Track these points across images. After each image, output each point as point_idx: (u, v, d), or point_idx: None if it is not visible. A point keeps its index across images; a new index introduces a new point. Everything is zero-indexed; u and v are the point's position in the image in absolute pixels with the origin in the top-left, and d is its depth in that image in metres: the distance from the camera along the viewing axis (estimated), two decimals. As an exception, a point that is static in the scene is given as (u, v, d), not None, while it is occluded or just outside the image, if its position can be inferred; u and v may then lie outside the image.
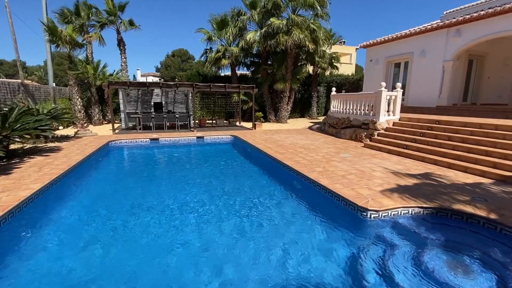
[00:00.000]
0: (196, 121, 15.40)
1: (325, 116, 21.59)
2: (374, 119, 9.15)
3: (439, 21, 11.44)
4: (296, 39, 13.06)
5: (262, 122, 14.92)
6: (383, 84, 8.89)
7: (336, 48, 26.54)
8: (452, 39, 9.96)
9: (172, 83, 12.34)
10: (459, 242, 3.38)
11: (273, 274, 2.87)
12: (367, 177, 5.34)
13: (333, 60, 18.65)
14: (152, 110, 14.83)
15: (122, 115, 13.77)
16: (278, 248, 3.39)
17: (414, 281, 2.69)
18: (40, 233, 3.70)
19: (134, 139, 10.26)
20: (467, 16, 9.39)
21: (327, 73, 20.99)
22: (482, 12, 8.97)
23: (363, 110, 9.86)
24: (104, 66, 14.22)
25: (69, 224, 4.00)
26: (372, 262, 3.04)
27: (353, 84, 19.92)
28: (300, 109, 20.97)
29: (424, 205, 3.98)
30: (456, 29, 9.78)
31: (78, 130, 10.61)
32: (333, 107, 12.32)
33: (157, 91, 15.05)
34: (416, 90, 11.08)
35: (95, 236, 3.68)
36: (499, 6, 8.53)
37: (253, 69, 18.92)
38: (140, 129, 12.60)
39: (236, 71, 18.15)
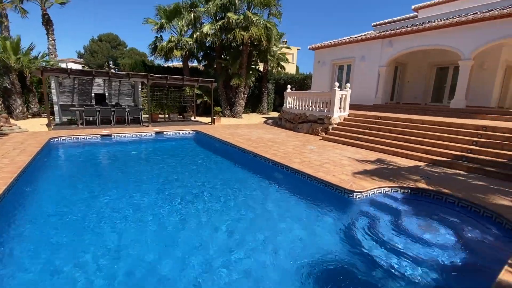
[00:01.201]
0: (146, 116, 14.32)
1: (275, 112, 22.78)
2: (329, 115, 10.33)
3: (376, 32, 13.49)
4: (254, 35, 13.43)
5: (221, 117, 14.88)
6: (336, 84, 10.11)
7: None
8: (385, 48, 11.97)
9: (123, 73, 11.17)
10: (419, 209, 4.37)
11: (296, 242, 3.33)
12: (339, 165, 6.16)
13: (280, 59, 19.76)
14: (93, 102, 13.10)
15: (56, 108, 11.76)
16: (291, 225, 3.86)
17: (392, 236, 3.56)
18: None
19: (80, 135, 8.98)
20: (398, 31, 11.44)
21: (274, 71, 22.18)
22: (409, 28, 11.08)
23: (319, 107, 10.97)
24: (30, 48, 11.79)
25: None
26: (362, 229, 3.80)
27: (299, 83, 21.54)
28: (251, 105, 21.58)
29: (392, 185, 4.94)
30: (389, 40, 11.80)
31: (1, 126, 8.66)
32: (289, 103, 13.23)
33: (98, 81, 13.33)
34: (357, 90, 12.85)
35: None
36: (420, 25, 10.71)
37: (205, 62, 18.54)
38: (81, 124, 11.03)
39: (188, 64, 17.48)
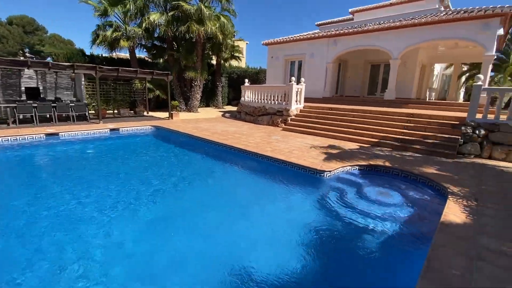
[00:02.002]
0: (92, 112, 13.02)
1: (230, 106, 23.00)
2: (287, 107, 11.18)
3: (322, 31, 14.82)
4: (209, 30, 13.38)
5: (179, 111, 14.45)
6: (293, 78, 10.98)
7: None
8: (331, 47, 13.39)
9: (66, 64, 9.91)
10: (373, 180, 5.40)
11: (282, 215, 3.86)
12: (305, 151, 6.95)
13: (234, 53, 20.01)
14: (24, 97, 11.31)
15: (-25, 104, 9.80)
16: (275, 202, 4.43)
17: (357, 203, 4.43)
18: None
19: (19, 136, 7.82)
20: (341, 31, 12.91)
21: (227, 64, 22.33)
22: (350, 30, 12.63)
23: (277, 100, 11.74)
24: None
25: None
26: (334, 198, 4.62)
27: (252, 77, 22.14)
28: (205, 99, 21.35)
29: (351, 164, 5.90)
30: (334, 39, 13.23)
31: None
32: (247, 97, 13.70)
33: (29, 72, 11.52)
34: (308, 84, 13.98)
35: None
36: (360, 27, 12.35)
37: (154, 52, 17.54)
38: (13, 123, 9.51)
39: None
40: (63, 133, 8.64)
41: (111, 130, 9.77)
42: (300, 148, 7.29)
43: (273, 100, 11.90)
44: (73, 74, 12.27)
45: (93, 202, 4.24)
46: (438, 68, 17.93)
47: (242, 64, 34.71)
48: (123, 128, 10.05)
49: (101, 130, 9.50)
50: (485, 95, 7.28)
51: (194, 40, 15.11)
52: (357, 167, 5.89)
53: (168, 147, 8.94)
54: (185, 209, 4.33)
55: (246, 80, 13.92)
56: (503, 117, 6.91)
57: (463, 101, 19.33)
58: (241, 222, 3.92)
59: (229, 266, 2.82)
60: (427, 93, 16.13)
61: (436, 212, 3.93)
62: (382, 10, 15.41)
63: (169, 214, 4.12)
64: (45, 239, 3.18)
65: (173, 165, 6.84)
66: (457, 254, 2.64)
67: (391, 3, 15.71)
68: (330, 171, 5.41)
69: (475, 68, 17.25)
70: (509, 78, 14.01)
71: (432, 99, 16.35)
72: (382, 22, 12.99)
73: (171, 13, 13.66)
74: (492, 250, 2.74)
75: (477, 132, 7.08)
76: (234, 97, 25.07)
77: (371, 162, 6.04)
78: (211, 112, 17.52)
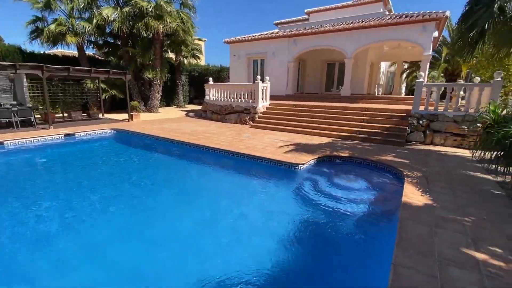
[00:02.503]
0: (38, 116, 11.62)
1: (192, 105, 22.47)
2: (254, 105, 11.44)
3: (283, 31, 15.33)
4: (169, 26, 12.89)
5: (140, 112, 13.65)
6: (258, 77, 11.27)
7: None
8: (292, 46, 14.00)
9: (7, 63, 8.65)
10: (341, 169, 5.96)
11: (267, 202, 4.08)
12: (277, 147, 7.28)
13: (195, 50, 19.57)
14: None
15: None
16: (258, 195, 4.59)
17: (330, 189, 4.92)
18: None
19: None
20: (301, 32, 13.58)
21: (186, 62, 21.74)
22: (309, 30, 13.36)
23: (244, 98, 11.91)
24: None
25: None
26: (310, 187, 5.01)
27: (214, 75, 21.90)
28: (165, 98, 20.50)
29: (320, 156, 6.39)
30: (294, 39, 13.85)
31: None
32: (212, 96, 13.60)
33: (-48, 72, 9.79)
34: (271, 82, 14.43)
35: None
36: (317, 28, 13.14)
37: (107, 50, 16.24)
38: None
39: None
40: (8, 142, 7.61)
41: (66, 135, 8.90)
42: (272, 144, 7.59)
43: (240, 98, 12.04)
44: (12, 74, 10.81)
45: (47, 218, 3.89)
46: (383, 66, 19.97)
47: (201, 62, 34.05)
48: (79, 133, 9.21)
49: (54, 137, 8.58)
50: (425, 89, 8.44)
51: (152, 37, 14.39)
52: (326, 158, 6.41)
53: (134, 151, 8.46)
54: (168, 216, 4.28)
55: (211, 79, 13.78)
56: (440, 109, 8.14)
57: (405, 95, 21.89)
58: (230, 216, 4.05)
59: (233, 259, 2.95)
60: (376, 88, 17.88)
61: (396, 192, 4.55)
62: (335, 12, 16.58)
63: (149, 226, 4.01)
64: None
65: (142, 171, 6.45)
66: (420, 224, 3.16)
67: (342, 6, 16.99)
68: (303, 164, 5.80)
69: (414, 66, 19.67)
70: (442, 74, 16.33)
71: (380, 94, 18.20)
72: (336, 23, 13.99)
73: (126, 9, 12.78)
74: (445, 218, 3.34)
75: (420, 122, 8.21)
76: (195, 96, 24.53)
77: (337, 153, 6.61)
78: (173, 112, 16.93)
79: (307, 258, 3.12)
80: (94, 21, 12.71)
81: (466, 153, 7.10)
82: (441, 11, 10.11)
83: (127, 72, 12.06)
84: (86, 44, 14.50)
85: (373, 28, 11.65)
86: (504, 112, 4.49)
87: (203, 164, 6.95)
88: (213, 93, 13.58)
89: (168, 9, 12.80)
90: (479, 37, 6.32)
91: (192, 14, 15.08)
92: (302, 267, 2.95)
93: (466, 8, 6.40)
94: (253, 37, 15.24)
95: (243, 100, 11.94)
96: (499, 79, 7.15)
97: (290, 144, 7.65)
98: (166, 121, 12.62)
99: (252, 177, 5.94)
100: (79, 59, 14.48)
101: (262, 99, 11.63)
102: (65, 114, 12.77)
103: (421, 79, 8.24)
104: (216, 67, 22.58)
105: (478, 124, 7.38)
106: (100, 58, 17.28)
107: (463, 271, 2.34)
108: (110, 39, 15.78)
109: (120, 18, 12.91)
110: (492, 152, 4.26)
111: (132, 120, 12.37)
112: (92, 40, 14.85)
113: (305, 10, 18.65)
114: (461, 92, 8.39)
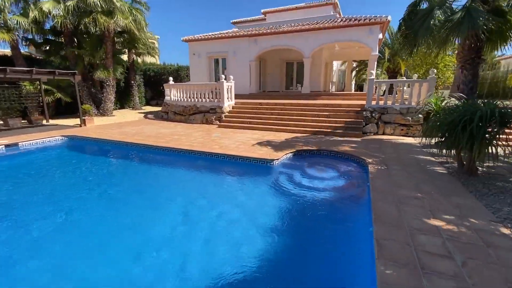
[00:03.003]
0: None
1: (149, 106, 21.37)
2: (220, 105, 11.41)
3: (244, 30, 15.42)
4: (121, 23, 12.03)
5: (93, 116, 12.46)
6: (223, 76, 11.26)
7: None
8: (252, 45, 14.25)
9: None
10: (313, 162, 6.40)
11: (248, 196, 4.26)
12: (250, 145, 7.45)
13: (150, 49, 18.56)
14: None
15: None
16: (242, 191, 4.74)
17: (303, 180, 5.28)
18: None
19: None
20: (261, 31, 13.91)
21: (140, 61, 20.53)
22: (269, 30, 13.75)
23: (209, 97, 11.79)
24: None
25: None
26: (286, 180, 5.32)
27: (172, 74, 21.03)
28: (119, 100, 19.07)
29: (292, 151, 6.75)
30: (254, 39, 14.11)
31: None
32: (174, 96, 13.15)
33: None
34: (234, 81, 14.59)
35: None
36: (276, 28, 13.60)
37: (47, 49, 14.44)
38: None
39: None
40: None
41: (7, 146, 7.76)
42: (244, 143, 7.73)
43: (205, 98, 11.88)
44: None
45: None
46: (335, 64, 21.57)
47: (156, 61, 32.32)
48: (24, 143, 8.11)
49: (-10, 148, 7.42)
50: (376, 86, 9.44)
51: (102, 34, 13.25)
52: (297, 152, 6.80)
53: (94, 159, 7.74)
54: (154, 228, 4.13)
55: (171, 78, 13.28)
56: (389, 103, 9.21)
57: (354, 91, 23.98)
58: (216, 217, 4.09)
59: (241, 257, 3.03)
60: (330, 86, 19.28)
61: (362, 177, 5.11)
62: (290, 13, 17.34)
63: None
64: None
65: (107, 180, 5.98)
66: (388, 204, 3.65)
67: (296, 7, 17.83)
68: (278, 159, 6.08)
69: (362, 64, 21.66)
70: (384, 72, 18.36)
71: (333, 91, 19.68)
72: (293, 24, 14.64)
73: (69, 2, 11.53)
74: (406, 196, 3.91)
75: (373, 115, 9.18)
76: (152, 96, 23.30)
77: (307, 147, 7.06)
78: (129, 115, 15.87)
79: (296, 242, 3.37)
80: (31, 15, 11.21)
81: (412, 140, 8.18)
82: (384, 15, 11.40)
83: (76, 73, 10.93)
84: (21, 42, 12.69)
85: (328, 29, 12.55)
86: (443, 103, 5.34)
87: (178, 168, 6.72)
88: (174, 93, 13.12)
89: (118, 4, 11.92)
90: (415, 40, 7.39)
91: (144, 10, 14.29)
92: (293, 250, 3.18)
93: (404, 19, 7.39)
94: (213, 36, 15.09)
95: (208, 100, 11.81)
96: (433, 75, 8.41)
97: (262, 142, 7.88)
98: (125, 124, 11.82)
99: (230, 175, 6.01)
100: (13, 59, 12.60)
101: (228, 98, 11.66)
102: (0, 122, 11.05)
103: (372, 77, 9.21)
104: (174, 66, 21.72)
105: (420, 115, 8.60)
106: (38, 57, 15.25)
107: (429, 237, 2.82)
108: (51, 37, 14.06)
109: (63, 12, 11.60)
110: (434, 138, 5.06)
111: (85, 125, 11.28)
112: (29, 37, 13.05)
113: (262, 10, 19.10)
114: (405, 87, 9.57)
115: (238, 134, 9.14)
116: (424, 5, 6.94)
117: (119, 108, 19.20)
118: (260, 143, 7.62)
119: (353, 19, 12.39)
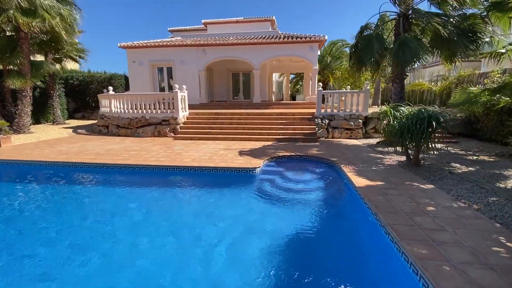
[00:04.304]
0: None
1: (73, 119, 18.47)
2: (175, 116, 10.84)
3: (188, 39, 15.01)
4: (48, 24, 10.18)
5: (12, 134, 9.92)
6: (176, 86, 10.78)
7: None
8: (201, 55, 14.06)
9: None
10: (290, 166, 6.82)
11: (233, 206, 4.37)
12: (222, 155, 7.37)
13: (77, 53, 16.13)
14: None
15: None
16: (230, 204, 4.74)
17: (282, 184, 5.64)
18: None
19: None
20: (210, 42, 13.89)
21: (58, 67, 17.56)
22: (218, 42, 13.84)
23: (160, 108, 11.04)
24: None
25: None
26: (267, 185, 5.57)
27: (102, 83, 18.63)
28: (33, 113, 15.74)
29: (267, 158, 7.04)
30: (203, 49, 13.97)
31: None
32: (115, 107, 11.80)
33: None
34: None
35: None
36: (225, 40, 13.86)
37: None
38: None
39: None
40: None
41: None
42: (214, 153, 7.59)
43: (155, 109, 11.08)
44: None
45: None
46: (275, 76, 23.17)
47: (75, 66, 27.93)
48: None
49: None
50: (320, 95, 10.68)
51: (16, 34, 10.87)
52: (272, 159, 7.12)
53: (28, 188, 6.06)
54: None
55: (111, 88, 11.87)
56: (334, 110, 10.55)
57: (289, 100, 26.18)
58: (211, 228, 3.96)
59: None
60: (272, 96, 20.60)
61: (340, 176, 5.78)
62: (231, 26, 17.93)
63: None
64: None
65: (71, 215, 4.85)
66: (377, 195, 4.28)
67: (237, 20, 18.58)
68: (258, 167, 6.25)
69: (298, 77, 23.92)
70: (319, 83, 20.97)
71: (273, 100, 21.08)
72: (241, 37, 15.15)
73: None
74: (384, 187, 4.65)
75: (323, 121, 10.35)
76: (76, 108, 20.09)
77: (283, 153, 7.46)
78: (53, 131, 13.32)
79: (317, 240, 3.61)
80: None
81: (356, 142, 9.58)
82: (322, 35, 13.09)
83: (-17, 80, 8.65)
84: None
85: (275, 44, 13.53)
86: (395, 113, 6.46)
87: (149, 187, 5.94)
88: (115, 104, 11.77)
89: (45, 2, 10.07)
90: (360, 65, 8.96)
91: (73, 10, 12.46)
92: (319, 247, 3.41)
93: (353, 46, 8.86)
94: (157, 43, 14.24)
95: (159, 111, 11.04)
96: (368, 87, 10.12)
97: (232, 152, 7.89)
98: (55, 142, 9.90)
99: (214, 188, 5.80)
100: None
101: (182, 108, 11.18)
102: None
103: (320, 88, 10.43)
104: (105, 74, 19.32)
105: (360, 120, 10.12)
106: None
107: (421, 217, 3.49)
108: None
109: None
110: (391, 138, 6.13)
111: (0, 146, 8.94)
112: None
113: (203, 21, 19.11)
114: (347, 97, 11.05)
115: (202, 146, 8.87)
116: (367, 32, 8.55)
117: (34, 123, 15.83)
118: (231, 153, 7.62)
119: (295, 37, 13.75)
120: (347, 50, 20.04)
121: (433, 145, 5.43)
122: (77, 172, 6.66)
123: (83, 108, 19.97)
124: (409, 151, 6.13)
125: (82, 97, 19.49)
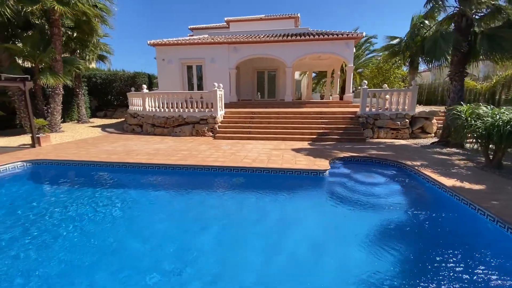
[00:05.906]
0: None
1: (96, 118, 18.37)
2: (213, 115, 10.56)
3: (219, 37, 14.65)
4: (80, 15, 9.93)
5: (49, 133, 9.75)
6: (216, 84, 10.49)
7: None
8: (232, 53, 13.76)
9: None
10: (356, 168, 6.49)
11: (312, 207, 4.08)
12: (280, 156, 7.06)
13: (103, 51, 15.94)
14: None
15: None
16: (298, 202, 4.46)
17: (355, 187, 5.33)
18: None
19: None
20: (241, 39, 13.56)
21: (91, 66, 17.46)
22: (250, 39, 13.52)
23: (197, 107, 10.77)
24: None
25: None
26: (341, 188, 5.33)
27: (126, 81, 18.46)
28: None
29: (330, 159, 6.70)
30: (234, 46, 13.66)
31: None
32: (148, 106, 11.55)
33: None
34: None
35: None
36: (257, 37, 13.54)
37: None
38: None
39: None
40: None
41: None
42: (269, 154, 7.29)
43: (193, 107, 10.81)
44: None
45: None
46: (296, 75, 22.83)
47: (93, 65, 27.82)
48: (-33, 174, 5.74)
49: None
50: (366, 94, 10.32)
51: (50, 29, 10.66)
52: (336, 160, 6.79)
53: (101, 192, 5.58)
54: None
55: (144, 86, 11.61)
56: (380, 110, 10.19)
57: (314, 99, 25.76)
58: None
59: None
60: (295, 94, 20.24)
61: (422, 179, 5.45)
62: (254, 23, 17.55)
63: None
64: None
65: (166, 220, 4.79)
66: (486, 200, 3.95)
67: (261, 18, 18.22)
68: (327, 169, 5.93)
69: (320, 75, 23.52)
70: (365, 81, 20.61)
71: (293, 99, 20.71)
72: (272, 34, 14.74)
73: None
74: (486, 192, 4.31)
75: (368, 121, 10.00)
76: (98, 107, 19.94)
77: (345, 155, 7.13)
78: (82, 130, 13.17)
79: (443, 246, 3.29)
80: None
81: (405, 142, 9.22)
82: (360, 32, 12.71)
83: (28, 78, 8.45)
84: None
85: (311, 41, 13.17)
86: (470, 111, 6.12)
87: (223, 190, 5.59)
88: (149, 103, 11.52)
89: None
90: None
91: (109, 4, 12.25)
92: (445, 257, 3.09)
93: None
94: (187, 41, 13.96)
95: (196, 110, 10.77)
96: (416, 85, 9.74)
97: (284, 151, 7.59)
98: (94, 142, 9.68)
99: (287, 191, 5.43)
100: None
101: (219, 107, 10.90)
102: None
103: (365, 86, 10.06)
104: (129, 72, 19.13)
105: (406, 119, 9.75)
106: None
107: None
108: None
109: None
110: (465, 139, 5.80)
111: (39, 145, 8.73)
112: None
113: (225, 19, 18.77)
114: (390, 95, 10.64)
115: (249, 146, 8.57)
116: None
117: (61, 122, 15.69)
118: (286, 153, 7.31)
119: (329, 33, 13.34)
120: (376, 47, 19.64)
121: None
122: (137, 173, 6.37)
123: (105, 106, 19.83)
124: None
125: (104, 96, 19.36)
